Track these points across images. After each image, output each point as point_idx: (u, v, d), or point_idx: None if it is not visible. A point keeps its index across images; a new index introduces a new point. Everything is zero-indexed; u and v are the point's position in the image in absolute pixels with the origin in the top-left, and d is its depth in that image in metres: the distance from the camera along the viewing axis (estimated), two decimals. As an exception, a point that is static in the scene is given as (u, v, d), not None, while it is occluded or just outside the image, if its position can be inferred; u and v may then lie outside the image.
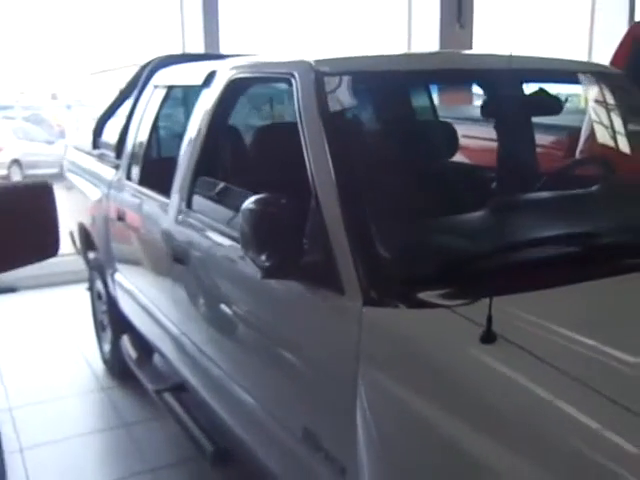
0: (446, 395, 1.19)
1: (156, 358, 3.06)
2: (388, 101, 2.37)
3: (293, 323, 1.66)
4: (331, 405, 1.49)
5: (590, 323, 1.27)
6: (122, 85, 3.43)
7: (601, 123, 2.71)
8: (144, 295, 2.75)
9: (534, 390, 1.11)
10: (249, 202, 1.53)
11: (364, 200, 1.56)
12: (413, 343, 1.30)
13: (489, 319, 1.18)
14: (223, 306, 2.04)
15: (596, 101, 2.65)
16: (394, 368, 1.32)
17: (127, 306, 3.05)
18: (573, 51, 6.94)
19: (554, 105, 2.24)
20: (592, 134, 2.83)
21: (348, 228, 1.49)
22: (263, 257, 1.50)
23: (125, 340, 3.13)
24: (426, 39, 6.22)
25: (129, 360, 3.03)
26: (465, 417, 1.15)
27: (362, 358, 1.36)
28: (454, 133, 2.26)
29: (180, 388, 2.59)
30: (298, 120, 1.75)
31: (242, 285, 1.90)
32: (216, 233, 2.02)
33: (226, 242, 1.94)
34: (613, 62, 3.68)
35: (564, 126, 3.41)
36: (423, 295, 1.35)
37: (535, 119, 2.72)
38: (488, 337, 1.18)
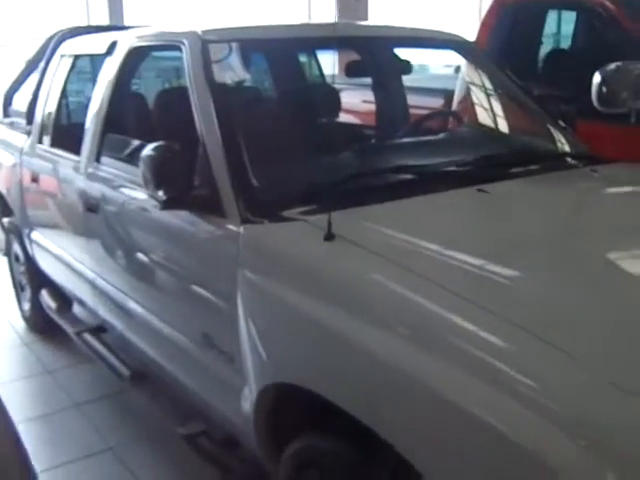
0: (301, 281, 1.59)
1: (75, 309, 3.34)
2: (265, 65, 2.73)
3: (188, 248, 2.01)
4: (220, 309, 1.85)
5: (410, 225, 1.70)
6: (29, 56, 3.62)
7: (464, 86, 3.19)
8: (61, 248, 3.02)
9: (362, 271, 1.51)
10: (148, 149, 1.86)
11: (241, 144, 1.92)
12: (276, 248, 1.70)
13: (329, 223, 1.58)
14: (131, 244, 2.36)
15: (458, 68, 3.10)
16: (263, 269, 1.70)
17: (45, 262, 3.30)
18: (464, 21, 7.46)
19: (406, 67, 2.69)
20: (463, 95, 3.31)
21: (229, 166, 1.86)
22: (160, 192, 1.84)
23: (44, 293, 3.38)
24: (325, 12, 6.59)
25: (49, 310, 3.30)
26: (314, 295, 1.53)
27: (240, 266, 1.73)
28: (328, 93, 2.65)
29: (99, 329, 2.89)
30: (187, 81, 2.08)
31: (145, 223, 2.23)
32: (122, 181, 2.34)
33: (131, 188, 2.26)
34: (481, 30, 4.13)
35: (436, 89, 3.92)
36: (286, 213, 1.75)
37: (419, 84, 3.17)
38: (328, 236, 1.58)
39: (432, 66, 6.52)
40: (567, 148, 2.38)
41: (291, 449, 1.62)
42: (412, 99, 3.18)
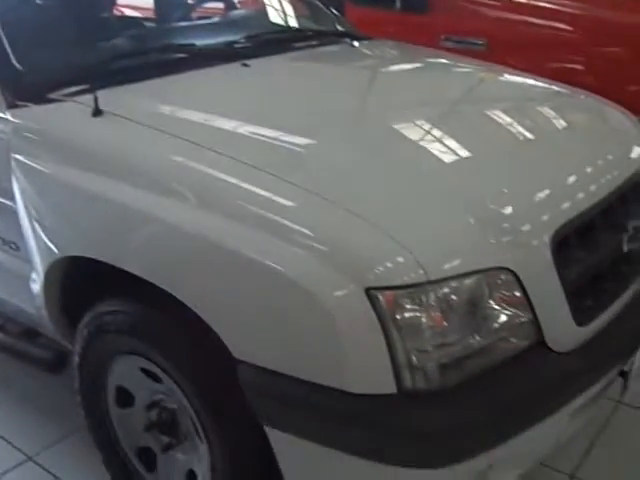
0: (74, 158, 1.63)
1: None
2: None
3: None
4: (1, 203, 1.83)
5: (176, 97, 1.80)
6: None
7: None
8: None
9: (131, 141, 1.59)
10: None
11: (5, 32, 1.85)
12: (46, 129, 1.71)
13: (95, 99, 1.63)
14: None
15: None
16: (35, 152, 1.70)
17: None
18: None
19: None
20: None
21: None
22: None
23: None
24: None
25: None
26: (88, 170, 1.58)
27: (12, 152, 1.72)
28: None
29: None
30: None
31: None
32: None
33: None
34: None
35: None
36: (53, 95, 1.75)
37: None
38: (96, 112, 1.64)
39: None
40: (334, 28, 2.55)
41: (83, 321, 1.70)
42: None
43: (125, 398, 1.74)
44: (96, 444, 1.84)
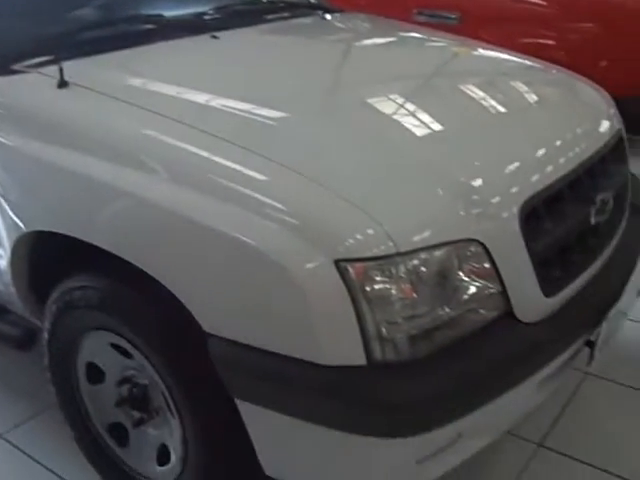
0: (41, 131, 1.59)
1: None
2: None
3: None
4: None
5: (144, 69, 1.77)
6: None
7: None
8: None
9: (98, 113, 1.56)
10: None
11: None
12: (10, 101, 1.68)
13: (61, 70, 1.59)
14: None
15: None
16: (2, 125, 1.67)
17: None
18: None
19: None
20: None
21: None
22: None
23: None
24: None
25: None
26: (55, 142, 1.55)
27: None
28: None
29: None
30: None
31: None
32: None
33: None
34: None
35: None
36: (17, 66, 1.70)
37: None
38: (61, 84, 1.60)
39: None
40: (305, 0, 2.51)
41: (52, 297, 1.68)
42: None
43: (95, 374, 1.72)
44: (67, 421, 1.83)
